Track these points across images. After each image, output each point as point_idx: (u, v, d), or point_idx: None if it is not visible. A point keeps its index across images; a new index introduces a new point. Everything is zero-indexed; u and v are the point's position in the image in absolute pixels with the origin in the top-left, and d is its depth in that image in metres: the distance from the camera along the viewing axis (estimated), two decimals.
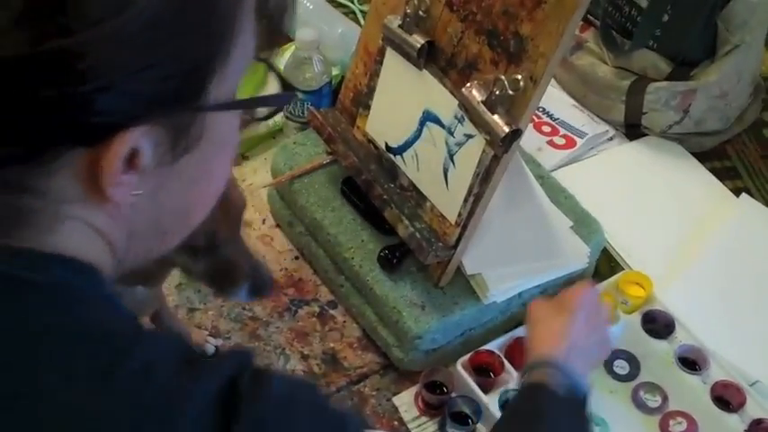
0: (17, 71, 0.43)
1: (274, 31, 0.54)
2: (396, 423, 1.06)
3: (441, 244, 1.03)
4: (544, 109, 1.47)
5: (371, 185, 1.09)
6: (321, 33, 1.30)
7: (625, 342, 1.11)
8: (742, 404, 1.06)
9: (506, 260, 1.08)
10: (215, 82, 0.50)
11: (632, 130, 1.45)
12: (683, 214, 1.32)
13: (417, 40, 1.00)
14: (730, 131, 1.48)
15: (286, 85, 0.61)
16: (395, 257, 1.09)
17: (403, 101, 1.05)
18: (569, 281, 1.13)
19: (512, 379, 1.05)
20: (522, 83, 0.90)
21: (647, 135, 1.44)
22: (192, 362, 0.50)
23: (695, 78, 1.38)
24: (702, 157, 1.43)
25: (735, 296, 1.21)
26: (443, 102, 0.99)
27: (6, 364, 0.46)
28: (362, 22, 1.46)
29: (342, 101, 1.18)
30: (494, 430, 0.85)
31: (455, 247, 1.03)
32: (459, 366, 1.05)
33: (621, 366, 1.10)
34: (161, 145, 0.49)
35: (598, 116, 1.47)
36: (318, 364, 1.11)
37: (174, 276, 1.13)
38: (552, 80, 0.90)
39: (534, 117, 1.42)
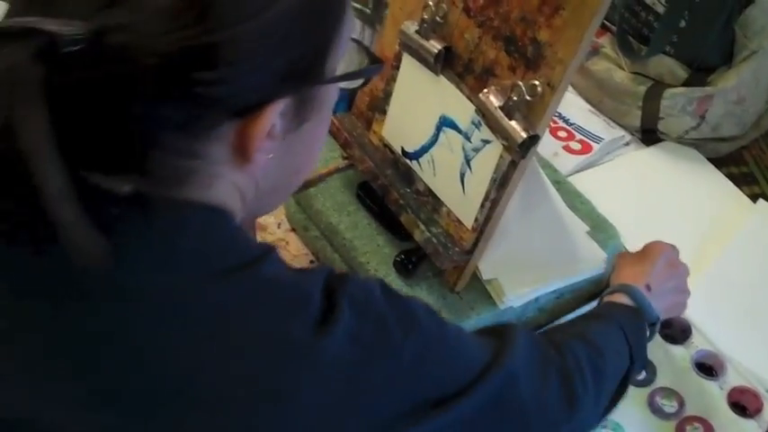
0: (186, 61, 0.52)
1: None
2: None
3: (457, 249, 1.03)
4: (560, 114, 1.47)
5: (388, 190, 1.09)
6: None
7: None
8: (759, 410, 1.06)
9: (523, 265, 1.08)
10: (331, 58, 0.60)
11: (648, 135, 1.45)
12: (700, 220, 1.32)
13: (434, 46, 1.00)
14: (747, 137, 1.47)
15: (373, 58, 0.70)
16: (411, 262, 1.10)
17: (419, 106, 1.05)
18: (586, 286, 1.13)
19: None
20: (539, 89, 0.90)
21: (663, 140, 1.44)
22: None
23: (712, 84, 1.38)
24: (719, 162, 1.43)
25: (752, 301, 1.20)
26: (460, 107, 1.00)
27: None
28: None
29: (358, 105, 1.18)
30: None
31: (471, 251, 1.03)
32: None
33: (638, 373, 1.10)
34: (287, 115, 0.60)
35: (614, 121, 1.47)
36: None
37: None
38: (569, 85, 0.90)
39: (550, 122, 1.42)
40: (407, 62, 1.06)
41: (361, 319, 0.61)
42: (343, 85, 0.67)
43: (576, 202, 1.21)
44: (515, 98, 0.91)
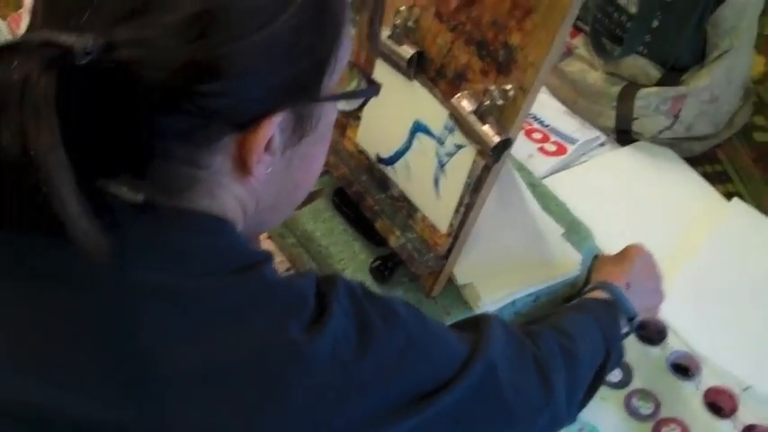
0: (191, 74, 0.54)
1: (370, 28, 0.69)
2: None
3: (432, 254, 1.03)
4: (535, 116, 1.47)
5: (363, 196, 1.09)
6: None
7: None
8: (734, 410, 1.06)
9: (498, 269, 1.08)
10: (328, 76, 0.62)
11: (623, 135, 1.45)
12: (675, 219, 1.32)
13: (407, 51, 1.00)
14: (721, 135, 1.48)
15: (370, 79, 0.72)
16: (387, 268, 1.09)
17: (393, 111, 1.05)
18: (562, 288, 1.14)
19: None
20: (511, 92, 0.90)
21: (638, 140, 1.45)
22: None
23: (685, 83, 1.39)
24: (694, 161, 1.44)
25: (727, 301, 1.21)
26: (433, 112, 0.99)
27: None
28: None
29: None
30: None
31: (446, 257, 1.03)
32: None
33: (614, 373, 1.09)
34: (286, 130, 0.62)
35: (589, 122, 1.47)
36: None
37: None
38: (543, 87, 0.90)
39: (525, 124, 1.42)
40: (381, 67, 1.05)
41: (349, 318, 0.64)
42: (341, 106, 0.70)
43: (551, 204, 1.21)
44: (488, 102, 0.91)
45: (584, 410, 0.93)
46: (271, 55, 0.57)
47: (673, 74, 1.39)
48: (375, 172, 1.10)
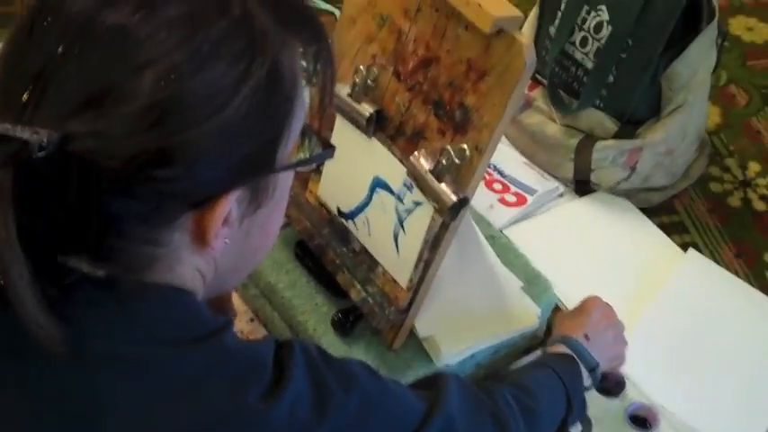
0: (146, 161, 0.55)
1: (321, 101, 0.70)
2: None
3: (393, 308, 1.04)
4: (495, 166, 1.49)
5: (324, 250, 1.10)
6: None
7: None
8: None
9: (458, 323, 1.09)
10: (282, 148, 0.63)
11: (582, 186, 1.48)
12: (632, 270, 1.35)
13: (366, 109, 1.02)
14: (677, 186, 1.51)
15: (325, 143, 0.73)
16: (348, 321, 1.10)
17: (353, 167, 1.07)
18: (522, 341, 1.15)
19: None
20: (468, 152, 0.92)
21: (596, 191, 1.47)
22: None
23: (641, 136, 1.42)
24: (651, 212, 1.47)
25: (683, 352, 1.23)
26: (392, 169, 1.01)
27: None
28: None
29: None
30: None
31: (407, 310, 1.04)
32: None
33: (574, 426, 1.10)
34: (242, 202, 0.63)
35: (548, 173, 1.50)
36: None
37: None
38: (503, 138, 0.92)
39: (485, 175, 1.44)
40: (341, 124, 1.07)
41: (306, 383, 0.65)
42: (297, 169, 0.71)
43: (511, 256, 1.22)
44: (445, 161, 0.93)
45: None
46: (224, 140, 0.58)
47: (629, 127, 1.42)
48: (336, 225, 1.11)
